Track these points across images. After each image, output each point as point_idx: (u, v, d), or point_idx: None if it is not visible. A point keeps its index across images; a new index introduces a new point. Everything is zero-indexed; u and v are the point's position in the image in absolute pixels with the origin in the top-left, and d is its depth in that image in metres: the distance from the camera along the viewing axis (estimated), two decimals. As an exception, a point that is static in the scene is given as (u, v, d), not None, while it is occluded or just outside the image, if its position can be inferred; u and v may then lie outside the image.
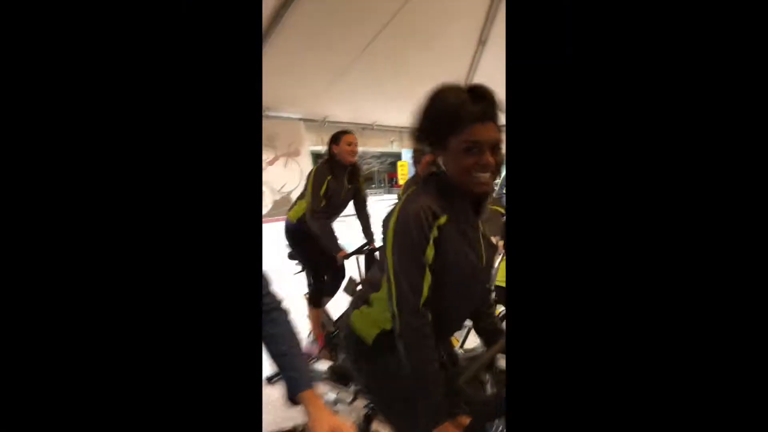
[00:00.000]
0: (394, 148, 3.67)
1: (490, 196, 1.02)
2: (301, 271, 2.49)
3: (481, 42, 2.86)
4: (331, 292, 2.47)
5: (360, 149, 2.43)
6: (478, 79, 3.23)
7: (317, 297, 2.44)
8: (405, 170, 7.40)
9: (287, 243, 2.45)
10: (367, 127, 3.31)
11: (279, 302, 0.89)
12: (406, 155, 6.83)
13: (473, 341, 2.06)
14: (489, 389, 1.13)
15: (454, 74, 3.26)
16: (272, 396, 1.29)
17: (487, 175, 0.93)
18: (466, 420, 0.93)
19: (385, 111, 3.26)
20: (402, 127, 3.60)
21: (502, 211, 1.13)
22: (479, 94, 0.94)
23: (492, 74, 3.30)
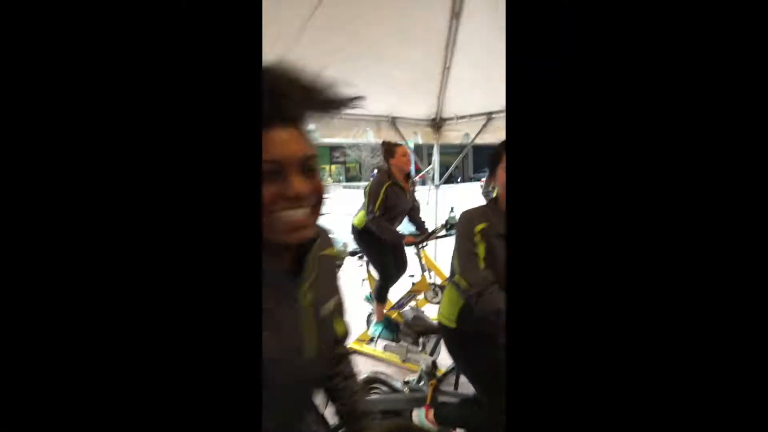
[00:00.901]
0: (370, 138, 3.34)
1: (314, 242, 0.67)
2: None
3: (455, 15, 2.50)
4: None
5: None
6: (458, 58, 2.89)
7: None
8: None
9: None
10: (334, 117, 2.97)
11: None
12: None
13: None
14: None
15: (430, 52, 2.95)
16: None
17: (300, 212, 0.59)
18: None
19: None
20: (376, 116, 3.26)
21: (337, 254, 0.78)
22: (271, 87, 0.57)
23: (472, 52, 2.96)
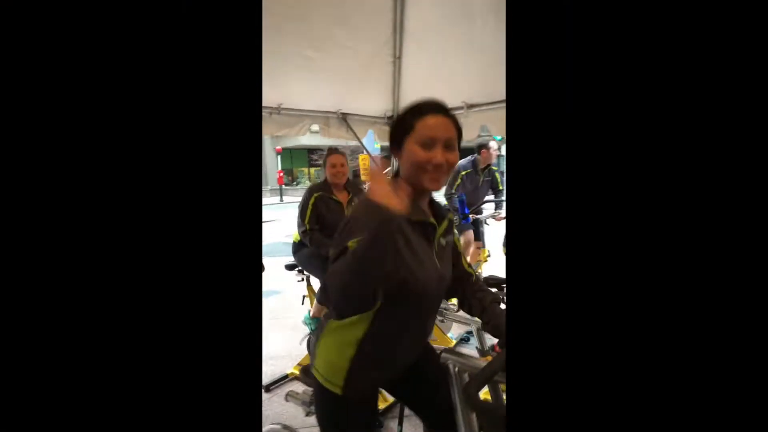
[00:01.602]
0: (315, 140, 3.00)
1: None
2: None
3: (398, -7, 2.21)
4: None
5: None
6: (409, 45, 2.59)
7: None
8: (367, 164, 6.56)
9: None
10: (273, 111, 2.64)
11: None
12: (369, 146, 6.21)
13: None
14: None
15: (376, 39, 2.65)
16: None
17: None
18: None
19: (293, 89, 2.59)
20: (323, 111, 2.94)
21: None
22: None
23: (424, 39, 2.66)
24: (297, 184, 27.89)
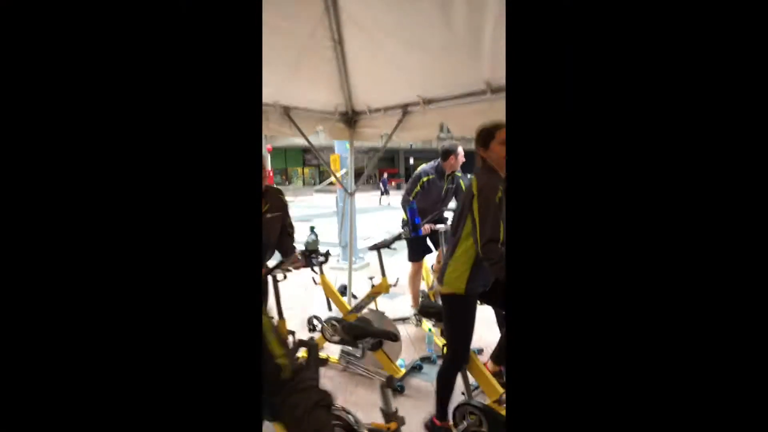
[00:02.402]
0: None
1: None
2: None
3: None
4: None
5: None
6: (350, 29, 2.23)
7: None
8: (337, 165, 6.02)
9: None
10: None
11: None
12: (339, 147, 5.77)
13: None
14: None
15: (305, 16, 2.27)
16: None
17: None
18: None
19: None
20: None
21: None
22: None
23: (363, 21, 2.30)
24: (289, 184, 27.51)
